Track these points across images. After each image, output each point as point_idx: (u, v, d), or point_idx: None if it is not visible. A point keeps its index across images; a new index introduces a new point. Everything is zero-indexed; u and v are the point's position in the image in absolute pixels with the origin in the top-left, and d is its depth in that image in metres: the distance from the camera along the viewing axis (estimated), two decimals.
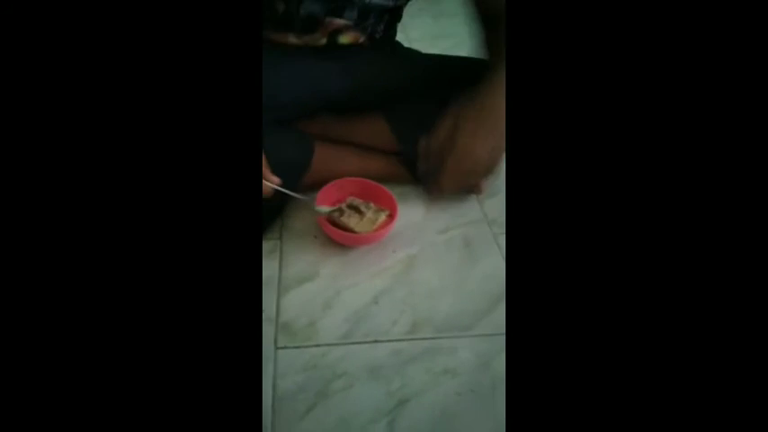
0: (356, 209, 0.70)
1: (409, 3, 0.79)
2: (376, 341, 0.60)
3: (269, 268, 0.67)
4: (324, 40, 0.75)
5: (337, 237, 0.69)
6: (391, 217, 0.70)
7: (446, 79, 0.76)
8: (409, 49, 0.87)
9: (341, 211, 0.70)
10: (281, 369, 0.56)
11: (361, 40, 0.77)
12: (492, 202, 0.80)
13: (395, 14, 0.79)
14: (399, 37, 0.87)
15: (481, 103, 0.63)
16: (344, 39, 0.76)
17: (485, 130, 0.62)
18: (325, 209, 0.70)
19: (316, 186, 0.72)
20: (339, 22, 0.73)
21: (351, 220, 0.69)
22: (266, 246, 0.70)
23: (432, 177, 0.69)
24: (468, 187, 0.77)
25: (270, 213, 0.73)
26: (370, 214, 0.70)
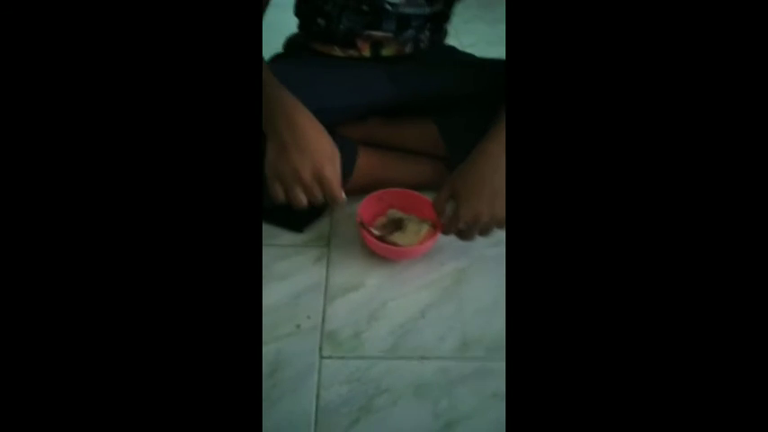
0: (398, 222, 0.69)
1: (458, 7, 0.76)
2: (422, 358, 0.58)
3: (316, 275, 0.66)
4: (368, 53, 0.74)
5: (380, 250, 0.67)
6: (434, 228, 0.68)
7: (498, 84, 0.73)
8: (462, 54, 0.85)
9: (383, 227, 0.68)
10: (325, 379, 0.55)
11: (407, 50, 0.75)
12: None
13: (437, 21, 0.77)
14: (453, 43, 0.85)
15: (475, 174, 0.60)
16: (387, 51, 0.75)
17: (483, 198, 0.59)
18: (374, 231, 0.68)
19: (362, 192, 0.71)
20: (378, 34, 0.72)
21: (394, 233, 0.68)
22: (314, 253, 0.70)
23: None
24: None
25: (311, 213, 0.73)
26: (412, 226, 0.68)
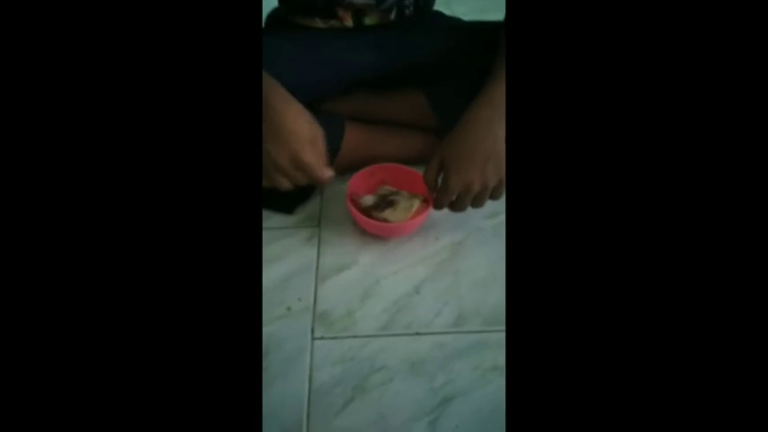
0: (389, 199, 0.66)
1: None
2: (417, 333, 0.56)
3: (307, 256, 0.65)
4: (350, 23, 0.71)
5: (371, 228, 0.65)
6: (426, 202, 0.66)
7: (488, 47, 0.70)
8: (450, 18, 0.81)
9: (374, 204, 0.66)
10: (318, 360, 0.53)
11: (391, 18, 0.72)
12: None
13: None
14: (444, 12, 0.81)
15: (464, 141, 0.56)
16: (370, 20, 0.71)
17: (474, 165, 0.56)
18: (367, 200, 0.66)
19: (351, 169, 0.69)
20: (359, 2, 0.69)
21: (385, 210, 0.65)
22: (304, 234, 0.68)
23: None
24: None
25: (300, 194, 0.70)
26: (403, 202, 0.66)
